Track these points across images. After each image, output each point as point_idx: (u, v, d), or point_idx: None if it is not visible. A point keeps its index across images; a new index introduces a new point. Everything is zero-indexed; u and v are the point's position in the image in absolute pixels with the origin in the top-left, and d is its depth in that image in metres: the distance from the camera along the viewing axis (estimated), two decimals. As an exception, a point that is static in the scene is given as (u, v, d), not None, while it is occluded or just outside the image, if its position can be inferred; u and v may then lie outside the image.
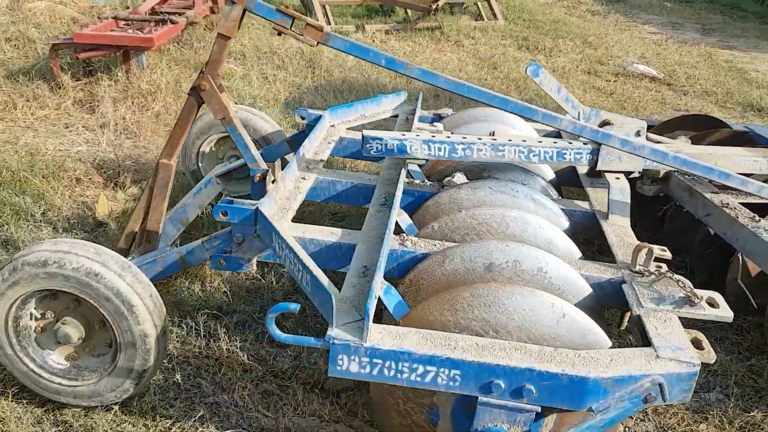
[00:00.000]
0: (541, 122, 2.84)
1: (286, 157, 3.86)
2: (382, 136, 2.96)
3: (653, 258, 2.44)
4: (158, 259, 2.64)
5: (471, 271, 2.29)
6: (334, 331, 1.93)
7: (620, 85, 7.43)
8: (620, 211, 2.94)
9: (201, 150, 3.88)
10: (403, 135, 3.00)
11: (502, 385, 1.87)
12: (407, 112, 4.13)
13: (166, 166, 2.72)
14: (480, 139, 3.02)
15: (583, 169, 3.57)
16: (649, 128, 4.28)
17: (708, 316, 2.15)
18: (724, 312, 2.16)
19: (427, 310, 2.13)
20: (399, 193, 2.78)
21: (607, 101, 6.87)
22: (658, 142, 3.57)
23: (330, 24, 8.41)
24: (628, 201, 2.97)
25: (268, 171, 2.78)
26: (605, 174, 3.11)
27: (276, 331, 1.94)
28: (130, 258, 2.70)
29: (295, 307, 1.92)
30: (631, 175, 3.17)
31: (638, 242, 2.67)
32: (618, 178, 3.08)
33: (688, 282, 2.25)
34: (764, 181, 3.22)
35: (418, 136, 3.02)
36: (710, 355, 1.98)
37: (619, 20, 11.17)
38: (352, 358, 1.91)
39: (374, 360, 1.91)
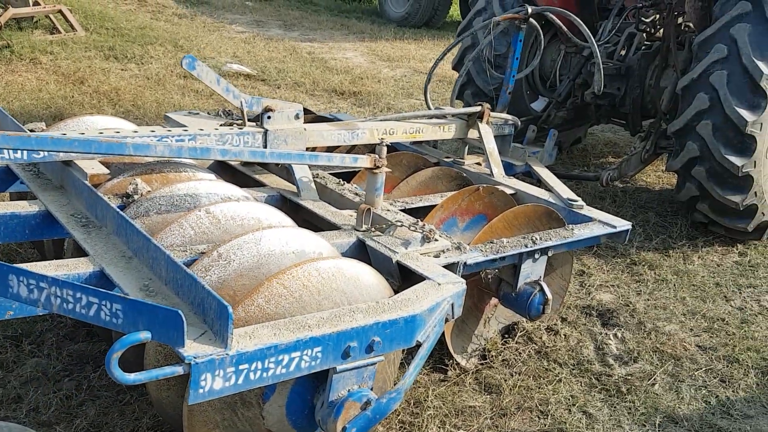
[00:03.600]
0: (133, 155, 2.62)
1: None
2: None
3: (372, 216, 2.80)
4: None
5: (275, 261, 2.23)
6: (191, 350, 1.63)
7: None
8: (307, 187, 3.18)
9: None
10: None
11: (357, 346, 1.94)
12: None
13: None
14: (65, 134, 2.71)
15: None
16: None
17: (443, 247, 2.63)
18: (445, 242, 2.68)
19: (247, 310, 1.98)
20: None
21: (208, 102, 6.93)
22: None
23: None
24: (311, 178, 3.22)
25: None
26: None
27: (121, 374, 1.51)
28: None
29: (147, 336, 1.53)
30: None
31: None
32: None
33: (419, 223, 2.69)
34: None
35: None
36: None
37: (207, 22, 11.15)
38: (217, 373, 1.66)
39: (240, 366, 1.70)
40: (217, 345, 1.68)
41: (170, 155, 2.59)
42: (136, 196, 2.73)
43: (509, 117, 4.49)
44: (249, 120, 3.36)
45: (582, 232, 3.18)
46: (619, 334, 3.68)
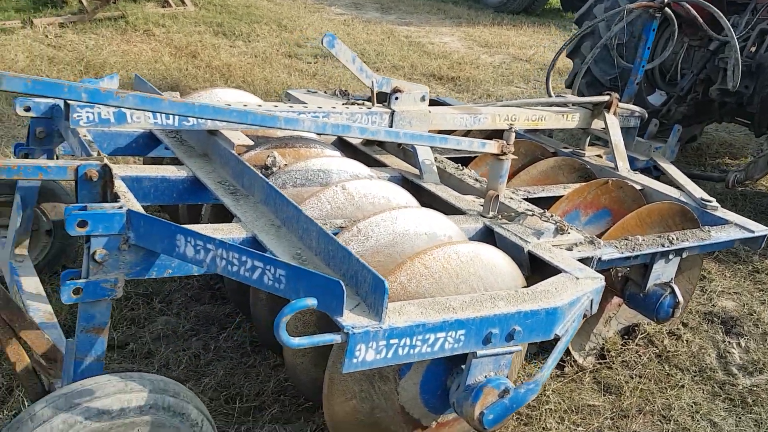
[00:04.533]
0: (283, 128, 2.70)
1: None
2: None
3: (499, 202, 2.77)
4: None
5: (409, 242, 2.27)
6: (348, 320, 1.68)
7: (320, 66, 7.74)
8: (429, 170, 3.19)
9: None
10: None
11: (498, 333, 1.93)
12: None
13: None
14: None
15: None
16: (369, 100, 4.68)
17: (575, 240, 2.58)
18: (577, 235, 2.62)
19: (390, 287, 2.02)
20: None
21: (311, 82, 7.11)
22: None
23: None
24: (433, 161, 3.23)
25: (105, 165, 2.10)
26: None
27: (287, 338, 1.58)
28: None
29: (313, 302, 1.59)
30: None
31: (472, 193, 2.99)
32: (414, 143, 3.32)
33: (547, 213, 2.65)
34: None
35: None
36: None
37: (308, 2, 11.44)
38: (370, 345, 1.71)
39: (391, 341, 1.74)
40: (371, 317, 1.72)
41: (315, 130, 2.66)
42: (274, 168, 2.83)
43: (637, 108, 4.31)
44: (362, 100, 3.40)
45: (718, 234, 3.03)
46: (743, 344, 3.50)
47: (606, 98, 3.99)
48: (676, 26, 4.49)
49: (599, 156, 4.15)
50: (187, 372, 2.83)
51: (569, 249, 2.55)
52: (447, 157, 3.55)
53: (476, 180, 3.19)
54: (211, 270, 1.84)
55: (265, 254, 1.77)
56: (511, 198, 3.00)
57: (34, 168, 1.96)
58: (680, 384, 3.04)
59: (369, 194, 2.66)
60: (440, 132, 3.76)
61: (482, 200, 3.12)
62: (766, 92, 5.14)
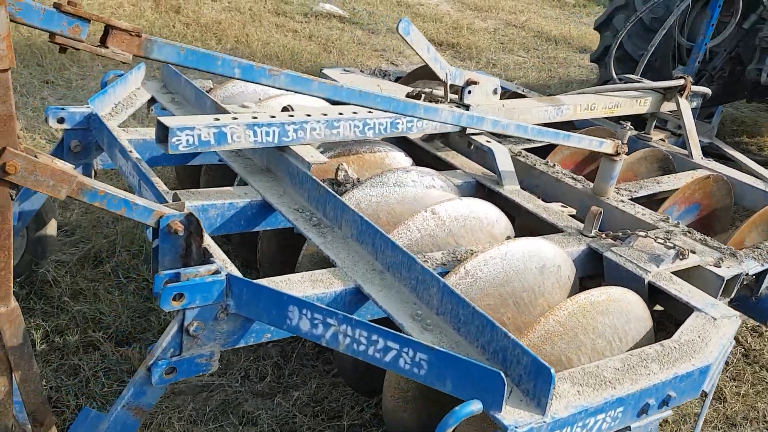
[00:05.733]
0: (424, 117, 2.57)
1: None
2: (191, 124, 2.23)
3: (600, 221, 2.50)
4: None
5: (522, 275, 2.03)
6: (509, 416, 1.42)
7: (313, 26, 7.32)
8: (509, 176, 2.91)
9: None
10: (217, 119, 2.32)
11: (654, 403, 1.70)
12: (158, 89, 3.24)
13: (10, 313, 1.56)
14: (309, 116, 2.56)
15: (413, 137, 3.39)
16: (398, 80, 4.35)
17: (694, 263, 2.33)
18: (695, 258, 2.37)
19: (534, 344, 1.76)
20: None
21: (311, 45, 6.71)
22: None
23: None
24: (511, 163, 2.94)
25: (191, 216, 1.79)
26: (473, 137, 3.02)
27: (452, 452, 1.33)
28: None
29: (479, 407, 1.34)
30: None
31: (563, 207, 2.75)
32: (489, 141, 3.03)
33: (660, 233, 2.39)
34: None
35: (235, 118, 2.38)
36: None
37: None
38: (532, 441, 1.46)
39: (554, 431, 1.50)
40: (531, 409, 1.47)
41: (452, 122, 2.55)
42: (348, 185, 2.54)
43: (704, 90, 4.01)
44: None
45: None
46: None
47: (681, 82, 3.71)
48: (741, 3, 4.17)
49: (662, 140, 3.92)
50: (271, 384, 2.59)
51: (717, 265, 2.32)
52: (524, 148, 3.29)
53: (573, 179, 2.94)
54: (332, 346, 1.58)
55: (401, 334, 1.50)
56: (622, 201, 2.79)
57: (120, 201, 1.64)
58: (774, 387, 2.89)
59: (460, 216, 2.39)
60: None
61: (569, 209, 2.87)
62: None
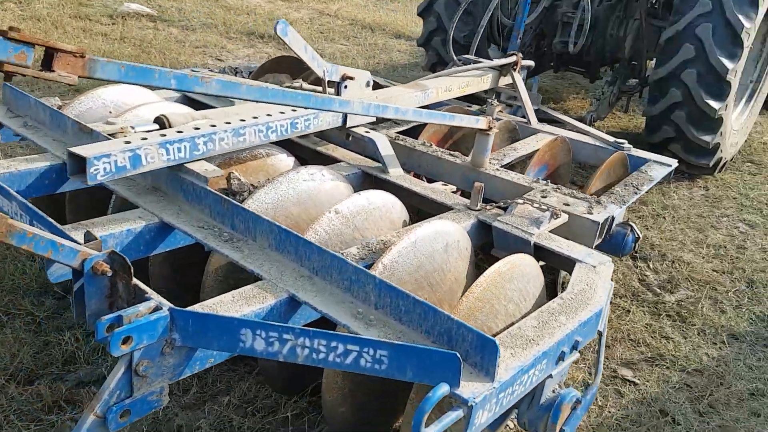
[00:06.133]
0: (337, 110, 2.69)
1: None
2: (106, 151, 2.20)
3: (481, 193, 2.75)
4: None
5: (431, 257, 2.23)
6: (467, 389, 1.59)
7: (122, 27, 6.85)
8: (392, 162, 3.06)
9: None
10: (128, 142, 2.30)
11: (567, 350, 1.96)
12: (3, 114, 3.00)
13: None
14: (214, 126, 2.59)
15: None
16: (249, 74, 4.34)
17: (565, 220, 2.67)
18: (565, 216, 2.71)
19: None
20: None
21: (127, 47, 6.29)
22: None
23: None
24: (392, 149, 3.10)
25: (113, 253, 1.69)
26: (353, 130, 3.13)
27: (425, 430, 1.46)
28: None
29: (446, 389, 1.48)
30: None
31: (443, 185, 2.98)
32: (367, 131, 3.16)
33: (538, 200, 2.69)
34: None
35: (145, 139, 2.35)
36: None
37: None
38: (487, 407, 1.64)
39: (500, 395, 1.69)
40: (482, 379, 1.64)
41: (367, 113, 2.68)
42: (245, 194, 2.53)
43: (530, 62, 4.46)
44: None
45: (655, 173, 3.37)
46: (652, 266, 3.95)
47: (514, 58, 4.13)
48: None
49: (501, 111, 4.33)
50: (197, 396, 2.54)
51: (590, 213, 2.65)
52: (398, 132, 3.49)
53: (451, 155, 3.20)
54: (289, 360, 1.63)
55: (359, 336, 1.59)
56: (497, 169, 3.10)
57: (48, 242, 1.54)
58: (628, 309, 3.47)
59: (362, 210, 2.51)
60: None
61: (450, 186, 3.10)
62: (599, 43, 5.65)
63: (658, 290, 3.71)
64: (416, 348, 1.57)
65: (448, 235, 2.37)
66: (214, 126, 2.52)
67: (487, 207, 2.73)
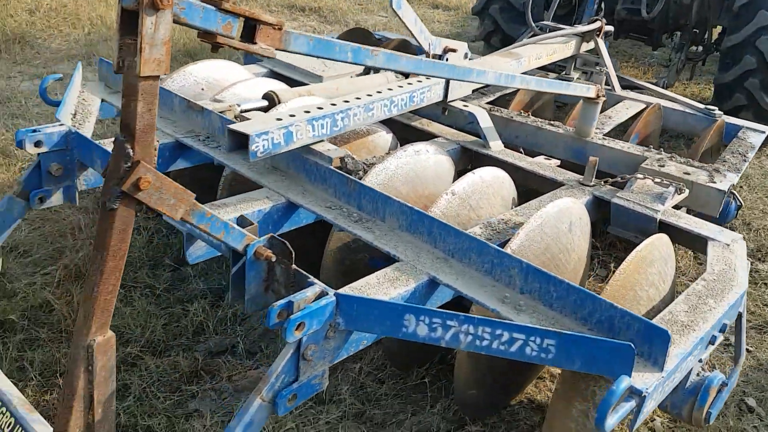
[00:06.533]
0: (477, 80, 2.77)
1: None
2: (265, 128, 2.23)
3: (596, 168, 2.68)
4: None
5: (557, 238, 2.19)
6: (638, 380, 1.56)
7: None
8: (492, 135, 3.00)
9: None
10: (280, 119, 2.31)
11: (717, 333, 1.91)
12: (102, 90, 3.01)
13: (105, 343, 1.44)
14: (347, 101, 2.60)
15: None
16: None
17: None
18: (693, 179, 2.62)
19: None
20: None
21: None
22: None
23: None
24: (491, 123, 3.03)
25: (273, 238, 1.70)
26: (451, 104, 3.07)
27: (610, 423, 1.44)
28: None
29: (628, 383, 1.45)
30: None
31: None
32: (465, 105, 3.10)
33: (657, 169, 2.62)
34: None
35: (293, 116, 2.35)
36: None
37: None
38: (654, 397, 1.61)
39: (666, 384, 1.65)
40: (650, 369, 1.61)
41: (495, 81, 2.81)
42: (360, 173, 2.51)
43: (610, 28, 4.31)
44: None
45: (754, 140, 3.29)
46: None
47: (598, 24, 4.01)
48: None
49: (578, 79, 4.23)
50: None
51: (712, 182, 2.58)
52: (487, 102, 3.44)
53: (551, 125, 3.13)
54: (451, 346, 1.62)
55: (525, 324, 1.57)
56: (604, 138, 3.02)
57: (221, 224, 1.57)
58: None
59: (477, 190, 2.46)
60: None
61: (554, 160, 3.03)
62: (662, 10, 5.42)
63: (750, 259, 3.60)
64: (587, 338, 1.54)
65: (572, 213, 2.32)
66: (347, 101, 2.55)
67: (602, 182, 2.66)
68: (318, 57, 1.92)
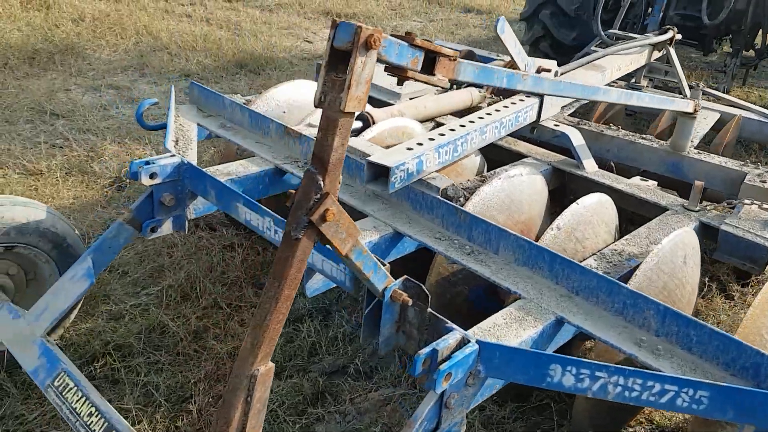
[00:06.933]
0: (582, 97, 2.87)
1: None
2: (401, 159, 2.22)
3: (701, 193, 2.61)
4: None
5: (673, 274, 2.17)
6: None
7: (204, 9, 7.03)
8: (586, 154, 2.95)
9: None
10: (410, 149, 2.30)
11: None
12: (195, 114, 3.02)
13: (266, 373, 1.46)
14: (463, 126, 2.58)
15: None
16: None
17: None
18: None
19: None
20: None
21: (221, 32, 6.40)
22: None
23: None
24: (584, 143, 2.99)
25: (408, 280, 1.70)
26: (543, 123, 3.04)
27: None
28: None
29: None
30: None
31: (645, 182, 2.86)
32: (557, 125, 3.06)
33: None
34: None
35: (420, 144, 2.35)
36: None
37: None
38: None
39: (816, 434, 1.60)
40: (802, 419, 1.56)
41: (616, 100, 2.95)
42: (461, 200, 2.49)
43: (679, 37, 4.22)
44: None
45: None
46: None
47: (671, 33, 3.95)
48: None
49: (645, 86, 4.19)
50: None
51: None
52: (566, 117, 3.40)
53: (643, 138, 3.11)
54: (598, 396, 1.59)
55: (677, 376, 1.54)
56: (699, 153, 2.98)
57: (372, 263, 1.62)
58: None
59: (582, 221, 2.41)
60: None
61: (650, 181, 2.97)
62: (717, 15, 5.28)
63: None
64: (742, 390, 1.50)
65: (685, 245, 2.27)
66: (463, 126, 2.60)
67: (707, 207, 2.60)
68: (480, 83, 2.07)
